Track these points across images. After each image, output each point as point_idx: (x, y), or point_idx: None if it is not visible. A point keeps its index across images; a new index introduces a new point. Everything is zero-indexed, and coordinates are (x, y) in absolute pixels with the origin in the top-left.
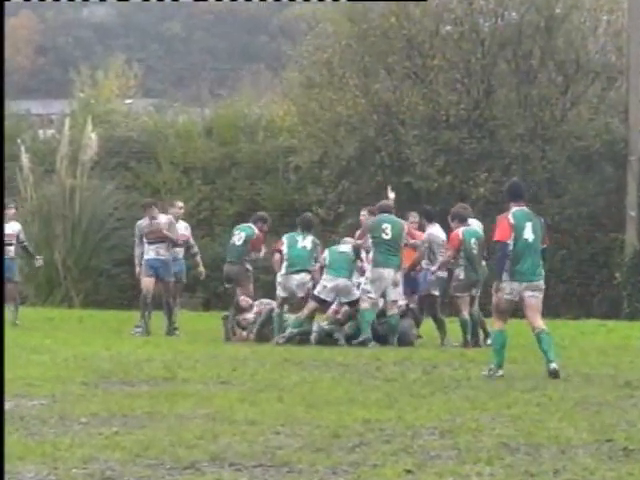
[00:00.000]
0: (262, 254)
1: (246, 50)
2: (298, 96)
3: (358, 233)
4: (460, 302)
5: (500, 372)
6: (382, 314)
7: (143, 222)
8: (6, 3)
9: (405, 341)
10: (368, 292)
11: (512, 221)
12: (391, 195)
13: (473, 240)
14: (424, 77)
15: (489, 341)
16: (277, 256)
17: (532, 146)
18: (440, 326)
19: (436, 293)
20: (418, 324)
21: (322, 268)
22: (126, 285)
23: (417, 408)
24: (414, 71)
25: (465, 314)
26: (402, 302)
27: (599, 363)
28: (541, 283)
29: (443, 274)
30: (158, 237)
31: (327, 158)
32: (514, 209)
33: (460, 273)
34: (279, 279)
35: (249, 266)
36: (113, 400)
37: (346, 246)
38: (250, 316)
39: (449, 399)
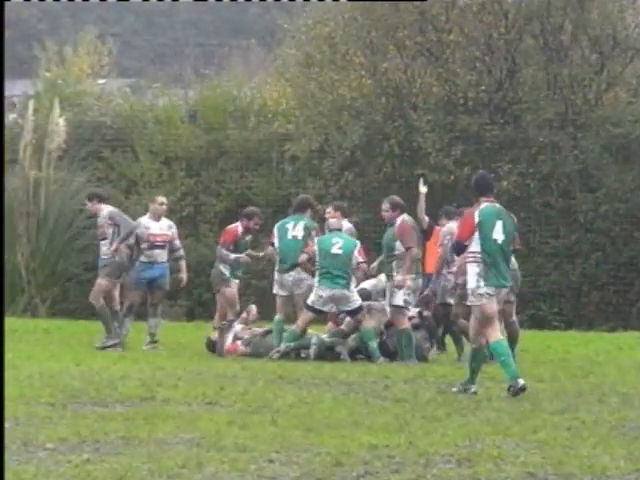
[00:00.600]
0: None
1: (236, 24)
2: (295, 76)
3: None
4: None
5: (520, 382)
6: (390, 324)
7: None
8: None
9: (418, 356)
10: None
11: (477, 219)
12: (423, 189)
13: None
14: (439, 54)
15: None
16: (270, 249)
17: (562, 133)
18: (457, 339)
19: (452, 302)
20: (432, 336)
21: (310, 260)
22: None
23: (431, 432)
24: (428, 47)
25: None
26: (413, 311)
27: (639, 381)
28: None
29: (460, 279)
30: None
31: (328, 147)
32: (483, 205)
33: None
34: (275, 276)
35: (224, 269)
36: (84, 423)
37: (340, 240)
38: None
39: (467, 422)
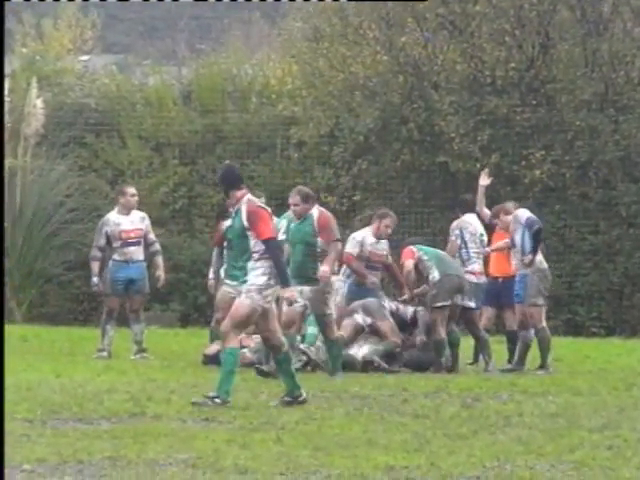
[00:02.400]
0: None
1: None
2: (302, 52)
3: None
4: (437, 316)
5: (303, 395)
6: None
7: None
8: None
9: (439, 366)
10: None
11: None
12: (485, 182)
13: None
14: (463, 28)
15: (540, 372)
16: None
17: (602, 116)
18: (483, 346)
19: (472, 305)
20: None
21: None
22: (81, 294)
23: (454, 452)
24: (451, 20)
25: (442, 332)
26: (410, 310)
27: None
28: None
29: (480, 280)
30: None
31: (339, 131)
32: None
33: (435, 275)
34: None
35: (210, 274)
36: (65, 442)
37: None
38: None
39: (495, 441)
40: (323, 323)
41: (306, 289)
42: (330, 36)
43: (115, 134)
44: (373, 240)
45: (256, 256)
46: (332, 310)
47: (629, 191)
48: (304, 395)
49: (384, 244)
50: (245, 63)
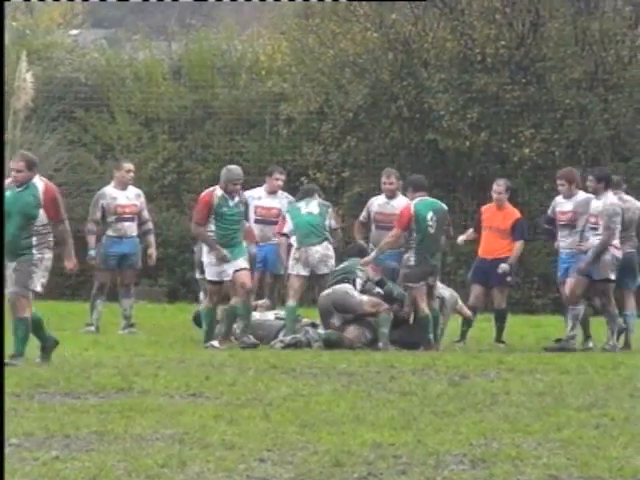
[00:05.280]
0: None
1: None
2: (292, 28)
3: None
4: (415, 294)
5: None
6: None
7: None
8: None
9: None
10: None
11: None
12: (461, 238)
13: (430, 215)
14: (453, 5)
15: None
16: (284, 240)
17: (591, 95)
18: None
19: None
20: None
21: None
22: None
23: (441, 429)
24: None
25: (425, 309)
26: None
27: None
28: None
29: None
30: None
31: (328, 108)
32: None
33: (410, 258)
34: (295, 255)
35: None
36: (52, 416)
37: None
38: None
39: (482, 418)
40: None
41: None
42: (320, 12)
43: (104, 109)
44: (383, 201)
45: None
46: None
47: (618, 170)
48: None
49: (394, 203)
50: (235, 39)
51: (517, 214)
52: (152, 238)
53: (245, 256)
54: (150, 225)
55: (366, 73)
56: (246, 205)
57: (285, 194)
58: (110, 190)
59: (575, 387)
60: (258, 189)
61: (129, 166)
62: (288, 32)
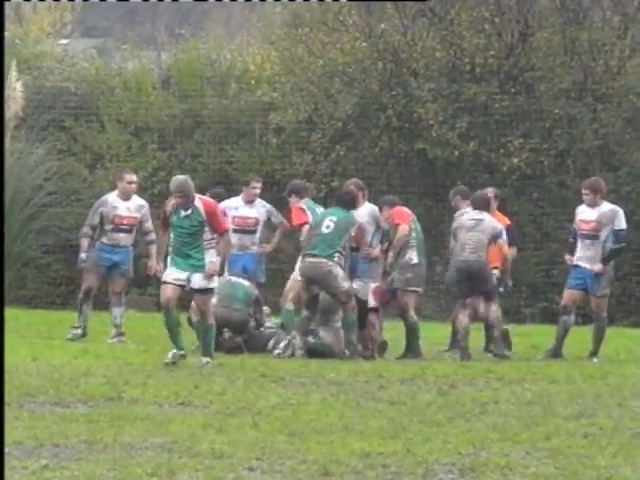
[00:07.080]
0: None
1: None
2: (281, 38)
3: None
4: (407, 299)
5: None
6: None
7: None
8: None
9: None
10: None
11: None
12: None
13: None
14: (443, 15)
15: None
16: (307, 228)
17: (580, 105)
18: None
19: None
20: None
21: None
22: (59, 278)
23: (430, 439)
24: (430, 7)
25: (413, 315)
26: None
27: None
28: None
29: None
30: None
31: (317, 117)
32: None
33: (413, 257)
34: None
35: None
36: (42, 425)
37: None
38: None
39: (471, 428)
40: None
41: None
42: (309, 22)
43: (94, 118)
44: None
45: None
46: None
47: (607, 180)
48: None
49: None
50: (224, 48)
51: (506, 221)
52: (154, 249)
53: (201, 272)
54: (153, 236)
55: (355, 83)
56: (224, 215)
57: (263, 202)
58: (113, 199)
59: (564, 396)
60: (235, 199)
61: (130, 177)
62: (277, 42)
